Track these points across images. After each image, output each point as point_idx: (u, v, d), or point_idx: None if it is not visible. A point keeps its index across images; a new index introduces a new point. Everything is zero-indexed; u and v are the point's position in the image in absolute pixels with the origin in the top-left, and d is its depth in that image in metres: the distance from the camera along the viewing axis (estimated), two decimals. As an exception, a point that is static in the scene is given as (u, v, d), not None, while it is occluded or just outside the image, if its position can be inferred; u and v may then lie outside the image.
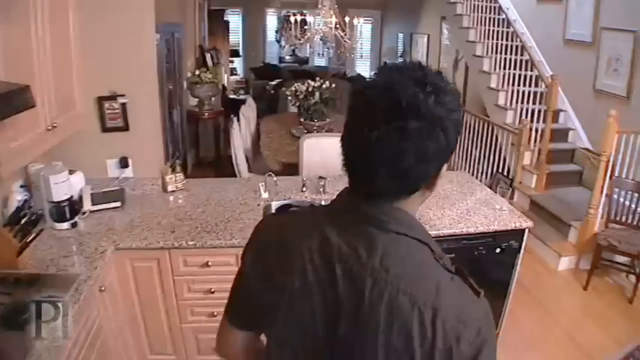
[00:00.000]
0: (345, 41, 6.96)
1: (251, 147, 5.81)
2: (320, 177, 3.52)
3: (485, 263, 3.33)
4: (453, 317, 0.94)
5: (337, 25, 6.78)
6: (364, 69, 15.01)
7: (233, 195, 3.48)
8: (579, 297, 4.65)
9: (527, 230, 3.34)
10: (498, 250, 3.33)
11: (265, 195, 3.43)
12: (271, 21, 14.50)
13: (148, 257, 2.80)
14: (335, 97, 6.01)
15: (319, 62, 14.35)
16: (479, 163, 7.34)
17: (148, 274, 2.83)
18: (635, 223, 4.75)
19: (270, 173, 3.49)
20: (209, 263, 2.82)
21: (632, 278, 4.63)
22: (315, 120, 5.73)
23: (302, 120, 5.84)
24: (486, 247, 3.29)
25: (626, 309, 4.42)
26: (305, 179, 3.56)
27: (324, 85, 5.82)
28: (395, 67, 1.00)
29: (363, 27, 12.12)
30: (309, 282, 1.03)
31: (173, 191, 3.47)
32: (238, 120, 5.37)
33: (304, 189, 3.51)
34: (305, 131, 5.74)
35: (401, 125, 0.91)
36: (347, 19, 6.96)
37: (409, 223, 1.03)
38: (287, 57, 14.70)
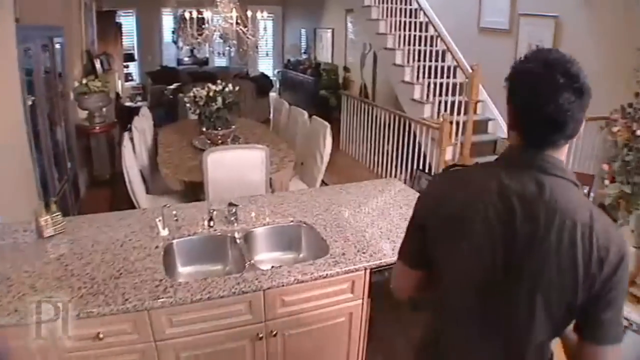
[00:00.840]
0: (248, 37, 6.31)
1: (148, 165, 5.00)
2: (231, 204, 2.87)
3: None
4: (603, 236, 1.26)
5: (239, 21, 6.14)
6: (267, 67, 14.51)
7: (125, 235, 2.76)
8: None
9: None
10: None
11: (164, 232, 2.74)
12: (167, 21, 13.62)
13: (23, 334, 2.04)
14: (239, 101, 5.34)
15: (220, 62, 13.63)
16: (396, 160, 7.07)
17: (27, 355, 2.09)
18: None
19: (167, 205, 2.80)
20: (101, 335, 2.12)
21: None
22: (219, 129, 5.01)
23: (204, 129, 5.13)
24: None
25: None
26: (211, 209, 2.89)
27: (226, 89, 5.11)
28: (538, 51, 1.34)
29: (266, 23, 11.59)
30: (490, 219, 1.32)
31: (51, 236, 2.72)
32: (130, 134, 4.61)
33: (212, 222, 2.85)
34: (209, 141, 5.07)
35: (574, 88, 1.25)
36: (249, 13, 6.35)
37: (562, 167, 1.34)
38: (186, 59, 13.92)
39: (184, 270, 2.79)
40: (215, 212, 2.86)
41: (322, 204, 3.29)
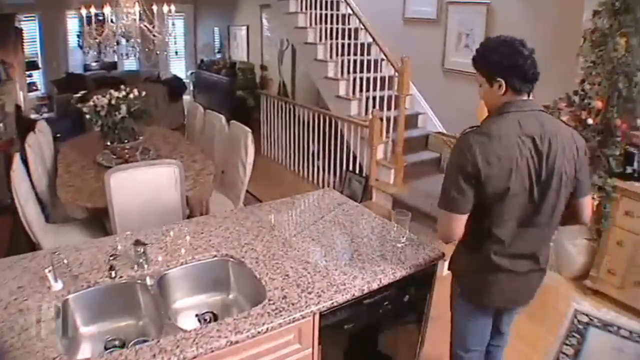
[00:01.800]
0: (154, 36, 5.63)
1: (47, 189, 4.25)
2: (138, 243, 2.27)
3: (392, 319, 2.52)
4: (578, 137, 2.08)
5: (143, 17, 5.44)
6: (179, 69, 13.74)
7: (10, 293, 2.12)
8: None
9: (438, 263, 2.64)
10: (406, 298, 2.50)
11: (57, 285, 2.12)
12: (73, 25, 12.51)
13: None
14: (148, 108, 4.65)
15: (130, 66, 12.69)
16: (323, 162, 6.73)
17: None
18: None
19: (56, 251, 2.18)
20: None
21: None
22: (126, 141, 4.33)
23: (108, 143, 4.46)
24: (392, 300, 2.42)
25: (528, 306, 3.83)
26: (111, 255, 2.27)
27: (131, 95, 4.43)
28: (491, 40, 2.04)
29: (175, 23, 10.87)
30: (525, 152, 1.94)
31: None
32: (22, 155, 3.87)
33: (115, 271, 2.23)
34: (114, 156, 4.43)
35: (530, 51, 1.95)
36: (154, 8, 5.67)
37: (537, 105, 2.04)
38: (94, 64, 12.88)
39: (86, 331, 2.19)
40: (118, 257, 2.26)
41: (251, 228, 2.77)
